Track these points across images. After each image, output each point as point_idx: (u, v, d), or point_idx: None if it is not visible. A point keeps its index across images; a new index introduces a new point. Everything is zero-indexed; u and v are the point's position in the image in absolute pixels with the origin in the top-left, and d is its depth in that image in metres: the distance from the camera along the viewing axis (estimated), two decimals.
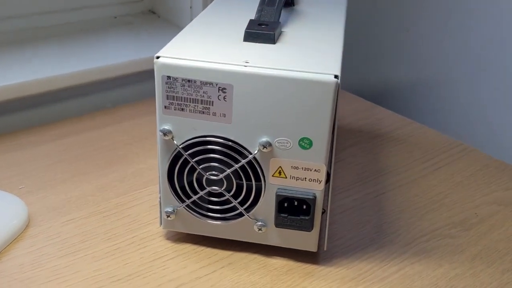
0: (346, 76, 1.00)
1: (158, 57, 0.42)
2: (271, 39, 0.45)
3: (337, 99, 0.41)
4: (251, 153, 0.43)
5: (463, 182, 0.61)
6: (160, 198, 0.47)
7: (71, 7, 0.84)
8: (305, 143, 0.42)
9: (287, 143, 0.43)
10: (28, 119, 0.72)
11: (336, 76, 0.40)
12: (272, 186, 0.45)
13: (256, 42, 0.45)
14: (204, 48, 0.44)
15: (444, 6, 0.84)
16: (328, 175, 0.45)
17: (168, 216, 0.47)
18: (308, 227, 0.45)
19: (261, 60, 0.42)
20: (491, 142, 0.82)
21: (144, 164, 0.62)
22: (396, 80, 0.95)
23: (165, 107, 0.43)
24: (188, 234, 0.50)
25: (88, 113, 0.73)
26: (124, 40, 0.81)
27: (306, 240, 0.47)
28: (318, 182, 0.44)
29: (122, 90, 0.79)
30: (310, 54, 0.44)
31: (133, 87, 0.80)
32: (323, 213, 0.47)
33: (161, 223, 0.49)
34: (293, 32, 0.49)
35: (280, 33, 0.48)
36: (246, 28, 0.46)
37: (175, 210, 0.47)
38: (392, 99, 0.95)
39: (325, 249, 0.47)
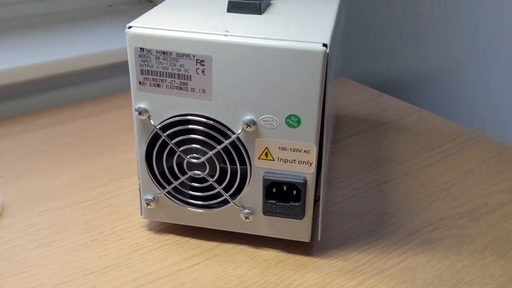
0: (351, 65, 0.96)
1: (130, 27, 0.38)
2: (257, 9, 0.41)
3: (326, 71, 0.37)
4: (234, 133, 0.39)
5: (473, 170, 0.57)
6: (139, 185, 0.44)
7: None
8: (293, 121, 0.38)
9: (273, 121, 0.39)
10: (15, 109, 0.69)
11: (325, 45, 0.36)
12: (259, 170, 0.41)
13: (240, 13, 0.41)
14: (181, 18, 0.40)
15: None
16: (319, 157, 0.41)
17: (148, 204, 0.44)
18: (299, 215, 0.41)
19: (243, 30, 0.38)
20: (505, 131, 0.77)
21: (132, 153, 0.58)
22: (404, 69, 0.90)
23: (139, 83, 0.39)
24: (171, 225, 0.46)
25: (77, 102, 0.70)
26: (118, 28, 0.78)
27: (297, 230, 0.43)
28: (309, 164, 0.40)
29: (114, 78, 0.76)
30: (299, 24, 0.40)
31: (125, 76, 0.76)
32: (317, 200, 0.43)
33: (141, 213, 0.45)
34: (282, 3, 0.45)
35: (268, 5, 0.44)
36: None
37: (156, 198, 0.43)
38: (400, 89, 0.91)
39: (319, 239, 0.43)
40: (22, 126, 0.63)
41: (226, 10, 0.42)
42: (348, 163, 0.58)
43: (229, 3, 0.42)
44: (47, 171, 0.55)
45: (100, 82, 0.75)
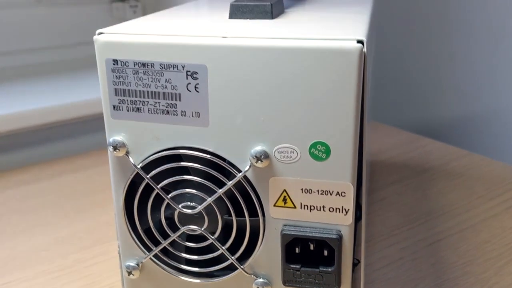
0: (386, 110, 0.86)
1: (100, 34, 0.29)
2: (267, 13, 0.32)
3: (363, 79, 0.27)
4: (240, 171, 0.29)
5: None
6: (118, 247, 0.33)
7: (68, 44, 0.76)
8: (320, 151, 0.28)
9: (293, 152, 0.28)
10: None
11: (360, 42, 0.26)
12: (275, 222, 0.30)
13: (246, 18, 0.32)
14: (167, 25, 0.31)
15: (491, 29, 0.70)
16: (358, 202, 0.30)
17: (130, 273, 0.33)
18: (333, 284, 0.30)
19: (247, 32, 0.29)
20: None
21: None
22: (444, 113, 0.80)
23: (113, 107, 0.30)
24: None
25: (68, 156, 0.61)
26: None
27: None
28: (344, 212, 0.29)
29: None
30: (323, 25, 0.30)
31: None
32: (356, 264, 0.32)
33: (123, 285, 0.34)
34: (299, 11, 0.36)
35: (282, 12, 0.35)
36: (233, 1, 0.33)
37: (140, 264, 0.33)
38: (442, 135, 0.80)
39: None
40: (2, 183, 0.54)
41: (227, 17, 0.33)
42: (390, 217, 0.47)
43: (231, 6, 0.32)
44: (19, 235, 0.44)
45: (96, 134, 0.66)
